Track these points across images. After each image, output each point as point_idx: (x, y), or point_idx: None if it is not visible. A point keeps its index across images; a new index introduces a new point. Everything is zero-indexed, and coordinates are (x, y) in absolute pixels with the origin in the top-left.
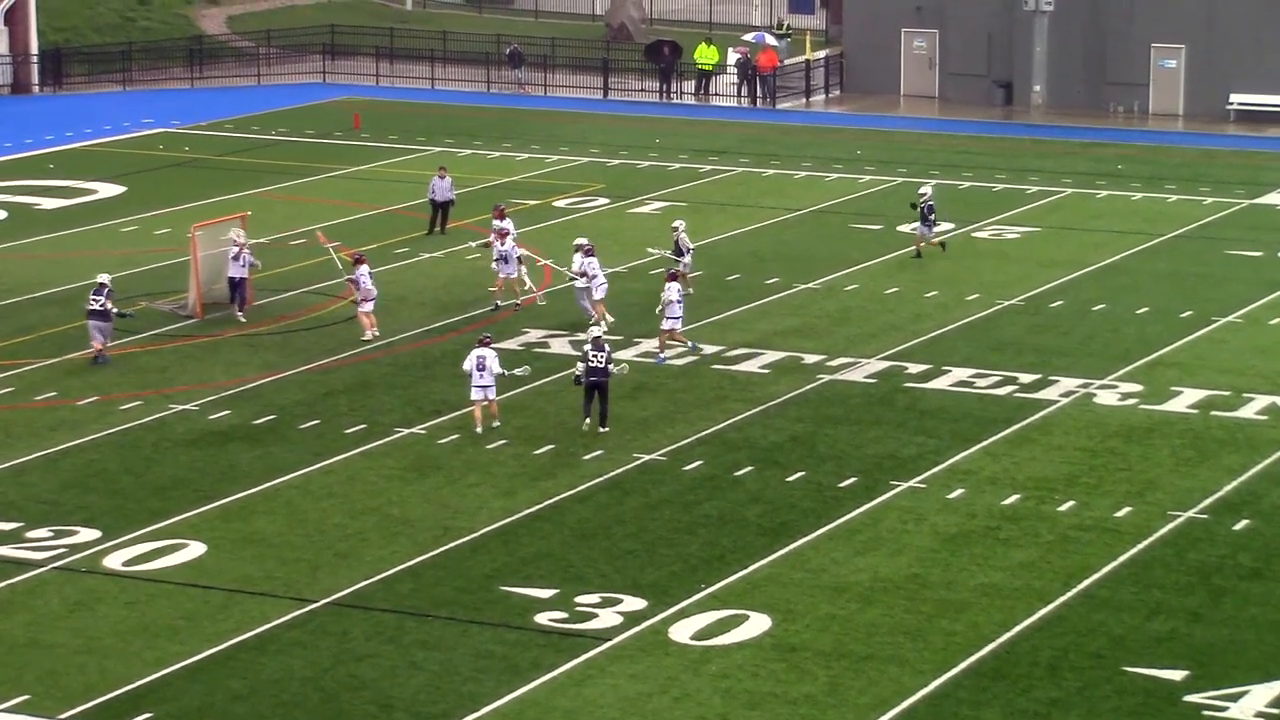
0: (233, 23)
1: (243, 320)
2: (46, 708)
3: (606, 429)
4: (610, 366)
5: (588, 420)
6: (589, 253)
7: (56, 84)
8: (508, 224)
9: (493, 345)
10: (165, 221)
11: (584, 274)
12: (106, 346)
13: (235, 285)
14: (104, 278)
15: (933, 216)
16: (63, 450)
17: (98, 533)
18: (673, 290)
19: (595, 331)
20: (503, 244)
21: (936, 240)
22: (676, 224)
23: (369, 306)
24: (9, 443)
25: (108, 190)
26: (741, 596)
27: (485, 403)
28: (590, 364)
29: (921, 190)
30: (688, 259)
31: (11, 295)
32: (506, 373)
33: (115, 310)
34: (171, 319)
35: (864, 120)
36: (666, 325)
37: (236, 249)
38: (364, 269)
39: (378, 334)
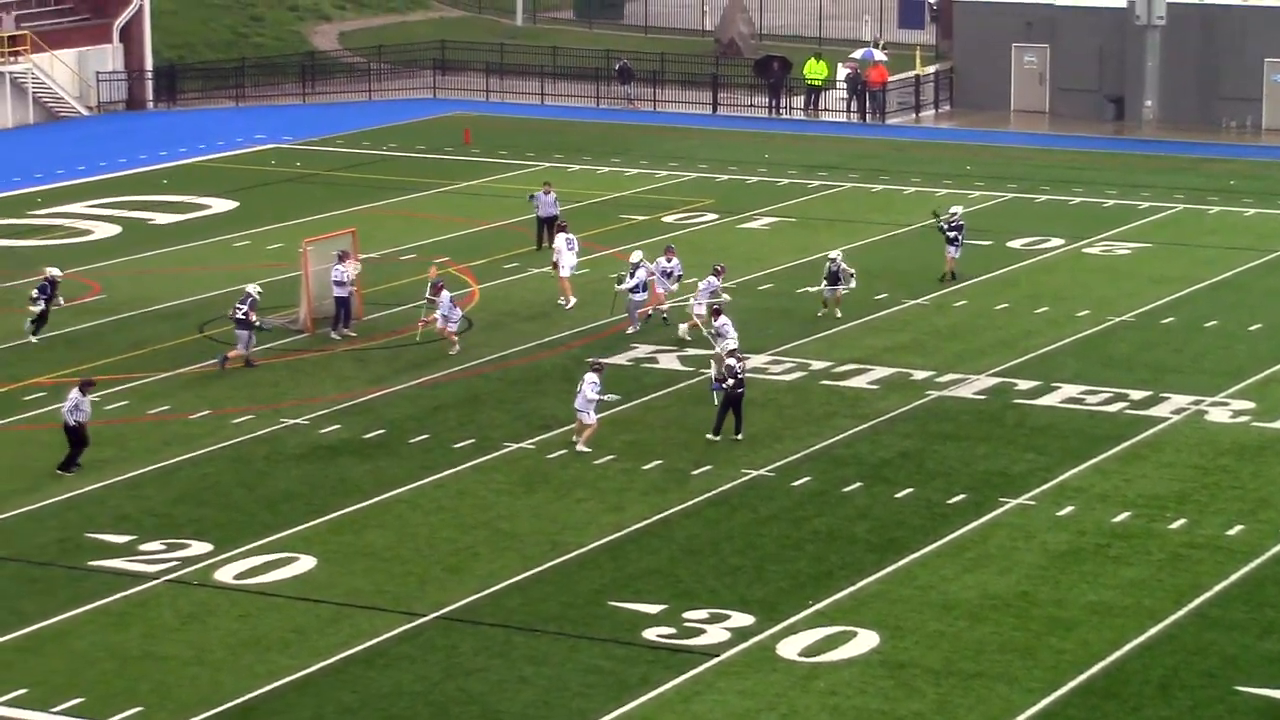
0: (344, 39)
1: (336, 338)
2: (159, 719)
3: (741, 437)
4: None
5: (717, 435)
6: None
7: (171, 100)
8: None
9: (600, 368)
10: (277, 236)
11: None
12: (246, 355)
13: (340, 304)
14: (251, 287)
15: (956, 235)
16: (176, 464)
17: (209, 546)
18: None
19: (730, 344)
20: (670, 261)
21: (952, 261)
22: (834, 254)
23: (450, 326)
24: (124, 456)
25: (220, 205)
26: (849, 613)
27: (583, 424)
28: (737, 375)
29: (952, 209)
30: (840, 286)
31: (125, 310)
32: (601, 398)
33: (256, 321)
34: (283, 333)
35: (974, 135)
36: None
37: (343, 273)
38: (445, 296)
39: (457, 349)
